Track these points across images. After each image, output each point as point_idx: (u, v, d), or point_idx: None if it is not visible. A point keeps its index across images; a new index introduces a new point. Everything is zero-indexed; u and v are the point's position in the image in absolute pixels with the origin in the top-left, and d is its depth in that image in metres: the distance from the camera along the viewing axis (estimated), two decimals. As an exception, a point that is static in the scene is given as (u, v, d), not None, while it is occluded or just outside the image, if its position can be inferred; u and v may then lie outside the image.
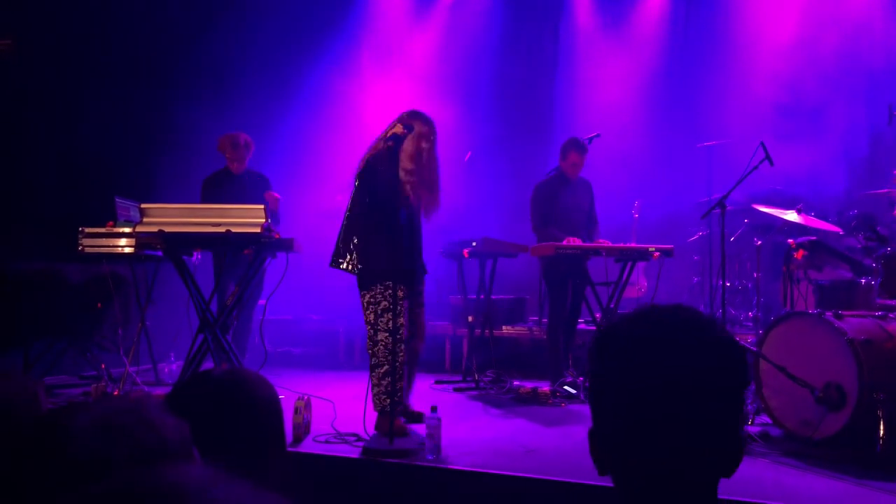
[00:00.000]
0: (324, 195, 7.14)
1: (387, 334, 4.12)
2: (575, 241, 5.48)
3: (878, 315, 4.20)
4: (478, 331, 6.30)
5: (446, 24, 8.79)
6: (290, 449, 3.64)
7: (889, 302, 4.33)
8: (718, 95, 7.63)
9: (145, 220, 4.55)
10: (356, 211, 4.35)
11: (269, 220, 4.53)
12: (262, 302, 5.48)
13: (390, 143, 4.10)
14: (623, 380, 1.06)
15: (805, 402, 3.98)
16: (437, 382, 6.11)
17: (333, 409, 4.50)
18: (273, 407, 1.61)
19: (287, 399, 3.57)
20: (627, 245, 5.83)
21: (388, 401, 4.07)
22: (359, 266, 4.25)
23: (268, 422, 1.59)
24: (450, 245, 6.18)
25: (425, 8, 8.91)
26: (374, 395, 4.22)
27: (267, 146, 6.81)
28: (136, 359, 5.67)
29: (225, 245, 4.76)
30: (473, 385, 5.95)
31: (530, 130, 8.43)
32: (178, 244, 4.67)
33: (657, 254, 5.45)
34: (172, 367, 6.16)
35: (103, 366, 5.67)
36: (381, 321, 4.15)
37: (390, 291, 4.04)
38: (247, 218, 4.51)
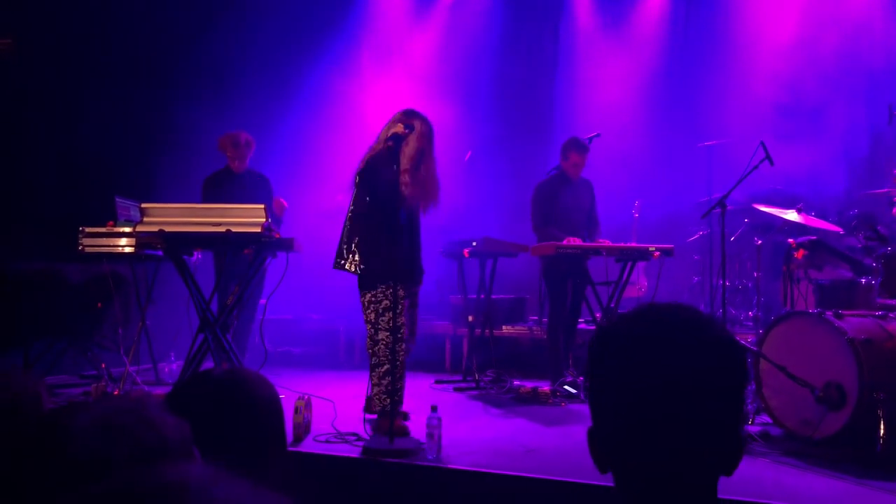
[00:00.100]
0: (324, 195, 7.15)
1: (387, 333, 4.13)
2: (575, 241, 5.48)
3: (879, 315, 4.20)
4: (478, 330, 6.30)
5: (446, 23, 8.79)
6: (290, 448, 3.63)
7: (889, 301, 4.33)
8: (718, 95, 7.62)
9: (145, 219, 4.55)
10: (357, 211, 4.36)
11: (270, 220, 4.52)
12: (262, 301, 5.48)
13: (390, 142, 4.10)
14: (623, 379, 1.06)
15: (805, 401, 3.98)
16: (438, 382, 6.11)
17: (334, 409, 4.50)
18: (273, 406, 1.61)
19: (287, 399, 3.57)
20: (628, 245, 5.83)
21: (388, 400, 4.08)
22: (361, 266, 4.26)
23: (268, 421, 1.59)
24: (450, 245, 6.18)
25: (425, 8, 8.91)
26: (373, 395, 4.22)
27: (267, 146, 6.80)
28: (136, 358, 5.67)
29: (225, 245, 4.76)
30: (473, 385, 5.95)
31: (530, 130, 8.43)
32: (178, 244, 4.67)
33: (657, 253, 5.45)
34: (172, 367, 6.16)
35: (103, 365, 5.67)
36: (381, 320, 4.17)
37: (391, 291, 4.05)
38: (247, 217, 4.51)
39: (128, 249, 5.43)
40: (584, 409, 4.99)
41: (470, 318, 6.29)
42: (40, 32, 6.94)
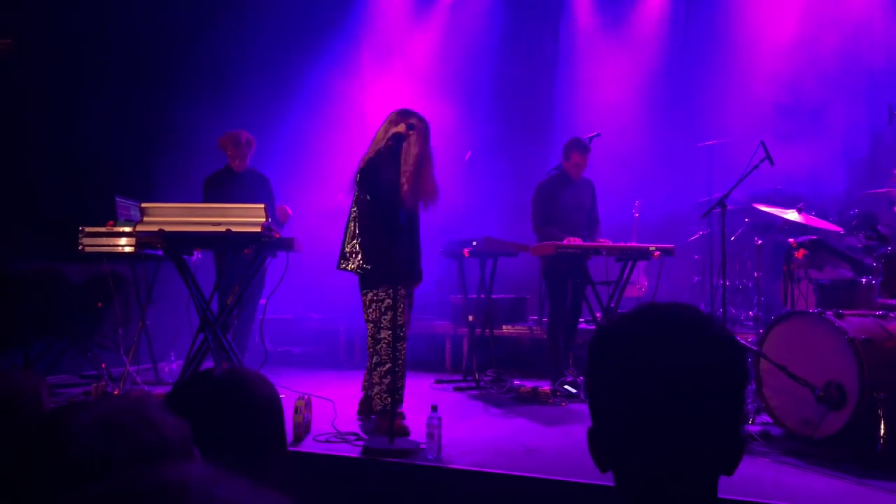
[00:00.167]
0: (324, 195, 7.15)
1: (389, 332, 4.15)
2: (575, 241, 5.49)
3: (879, 314, 4.20)
4: (478, 330, 6.30)
5: (446, 23, 8.79)
6: (290, 448, 3.64)
7: (890, 301, 4.33)
8: (719, 95, 7.62)
9: (146, 219, 4.55)
10: (359, 211, 4.37)
11: (269, 220, 4.52)
12: (262, 301, 5.48)
13: (391, 142, 4.10)
14: (623, 379, 1.06)
15: (805, 401, 3.98)
16: (438, 382, 6.11)
17: (334, 409, 4.50)
18: (273, 406, 1.61)
19: (287, 398, 3.57)
20: (628, 244, 5.83)
21: (389, 399, 4.08)
22: (364, 266, 4.26)
23: (268, 421, 1.59)
24: (450, 244, 6.18)
25: (425, 8, 8.91)
26: (374, 394, 4.23)
27: (267, 146, 6.80)
28: (136, 358, 5.67)
29: (225, 244, 4.76)
30: (474, 384, 5.95)
31: (530, 130, 8.43)
32: (178, 243, 4.67)
33: (658, 253, 5.45)
34: (173, 367, 6.16)
35: (103, 365, 5.67)
36: (384, 319, 4.19)
37: (392, 290, 4.07)
38: (247, 217, 4.51)
39: (128, 249, 5.43)
40: (584, 408, 4.99)
41: (470, 318, 6.30)
42: (40, 32, 6.94)
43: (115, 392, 5.04)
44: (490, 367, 6.05)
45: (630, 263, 5.64)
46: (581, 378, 5.35)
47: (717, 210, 4.58)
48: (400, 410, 4.27)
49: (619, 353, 1.07)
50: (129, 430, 0.92)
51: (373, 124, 4.65)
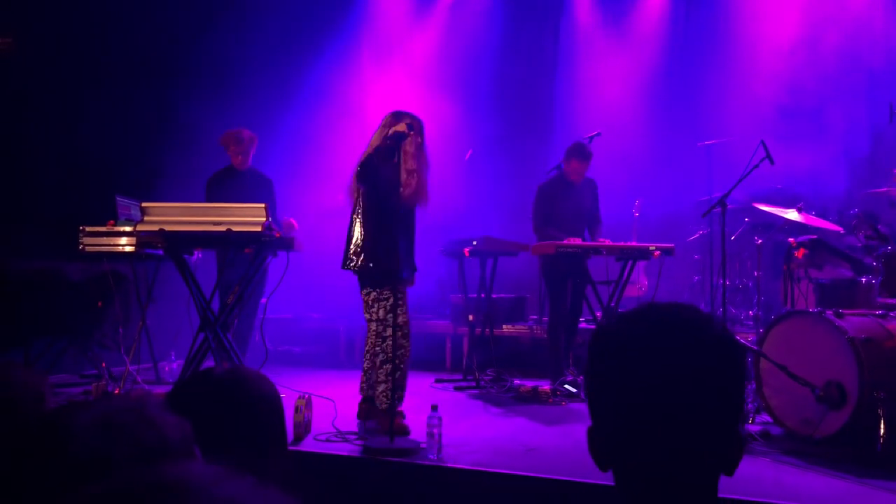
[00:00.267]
0: (325, 194, 7.15)
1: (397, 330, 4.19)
2: (575, 241, 5.49)
3: (879, 314, 4.20)
4: (478, 329, 6.30)
5: (447, 23, 8.78)
6: (291, 448, 3.64)
7: (890, 301, 4.33)
8: (719, 94, 7.62)
9: (146, 218, 4.55)
10: (360, 211, 4.39)
11: (270, 219, 4.52)
12: (262, 301, 5.48)
13: (390, 141, 4.11)
14: (622, 379, 1.06)
15: (806, 400, 3.98)
16: (438, 381, 6.11)
17: (334, 408, 4.50)
18: (274, 405, 1.61)
19: (288, 398, 3.57)
20: (628, 244, 5.84)
21: (391, 397, 4.10)
22: (369, 265, 4.28)
23: (269, 420, 1.59)
24: (450, 244, 6.18)
25: (426, 7, 8.91)
26: (380, 392, 4.24)
27: (268, 145, 6.80)
28: (136, 357, 5.67)
29: (226, 244, 4.76)
30: (474, 384, 5.95)
31: (530, 129, 8.43)
32: (178, 243, 4.67)
33: (658, 252, 5.45)
34: (173, 366, 6.16)
35: (104, 364, 5.68)
36: (391, 317, 4.21)
37: (396, 288, 4.13)
38: (248, 217, 4.51)
39: (128, 248, 5.44)
40: (584, 408, 4.97)
41: (470, 318, 6.30)
42: (40, 30, 6.94)
43: (116, 391, 5.04)
44: (490, 366, 6.05)
45: (630, 263, 5.64)
46: (581, 378, 5.35)
47: (718, 209, 4.58)
48: (400, 409, 4.28)
49: (619, 353, 1.07)
50: (129, 429, 0.92)
51: (373, 124, 4.65)
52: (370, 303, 4.32)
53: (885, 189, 5.20)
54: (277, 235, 4.65)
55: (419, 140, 4.39)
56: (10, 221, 6.43)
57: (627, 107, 8.02)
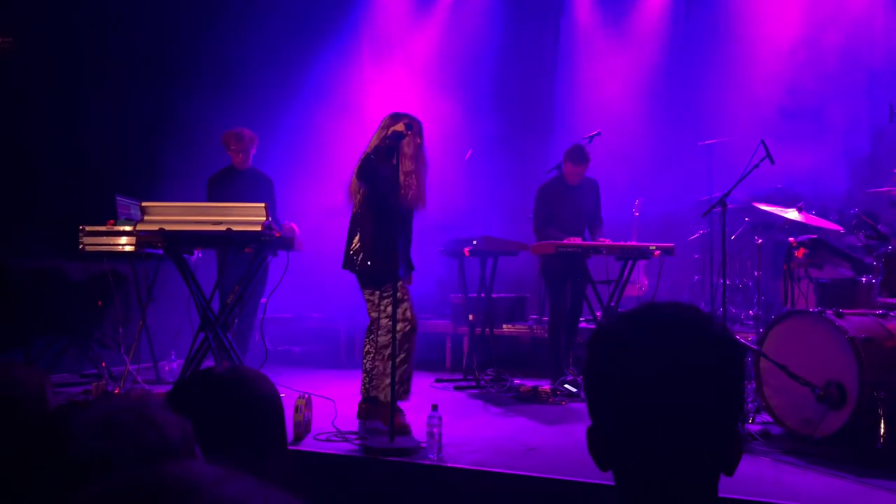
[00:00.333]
0: (325, 193, 7.15)
1: (405, 323, 4.29)
2: (575, 240, 5.49)
3: (879, 313, 4.20)
4: (478, 329, 6.30)
5: (447, 22, 8.79)
6: (291, 447, 3.64)
7: (890, 300, 4.33)
8: (719, 94, 7.62)
9: (146, 218, 4.55)
10: (360, 210, 4.40)
11: (270, 218, 4.53)
12: (262, 300, 5.48)
13: (389, 141, 4.12)
14: (622, 379, 1.06)
15: (806, 400, 3.98)
16: (438, 381, 6.12)
17: (334, 408, 4.51)
18: (274, 405, 1.61)
19: (288, 397, 3.57)
20: (628, 243, 5.84)
21: (402, 388, 4.22)
22: (367, 263, 4.31)
23: (269, 420, 1.59)
24: (451, 243, 6.18)
25: (426, 7, 8.91)
26: (386, 385, 4.25)
27: (268, 144, 6.80)
28: (136, 357, 5.68)
29: (226, 243, 4.76)
30: (474, 383, 5.95)
31: (531, 129, 8.43)
32: (178, 242, 4.67)
33: (658, 252, 5.45)
34: (173, 366, 6.16)
35: (104, 364, 5.68)
36: (398, 311, 4.26)
37: (401, 283, 4.23)
38: (248, 216, 4.51)
39: (128, 248, 5.44)
40: (584, 407, 4.98)
41: (470, 317, 6.30)
42: (41, 28, 6.94)
43: (116, 391, 5.04)
44: (490, 366, 6.06)
45: (630, 262, 5.64)
46: (581, 377, 5.35)
47: (718, 209, 4.58)
48: (400, 407, 4.29)
49: (619, 353, 1.07)
50: (129, 429, 0.92)
51: (373, 123, 4.66)
52: (376, 301, 4.34)
53: (885, 189, 5.20)
54: (277, 235, 4.65)
55: (418, 141, 4.40)
56: (10, 221, 6.44)
57: (627, 106, 8.02)
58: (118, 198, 5.89)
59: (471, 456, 3.70)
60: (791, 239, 5.06)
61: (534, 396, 5.43)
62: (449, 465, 3.57)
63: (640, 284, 7.53)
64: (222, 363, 4.27)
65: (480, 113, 8.06)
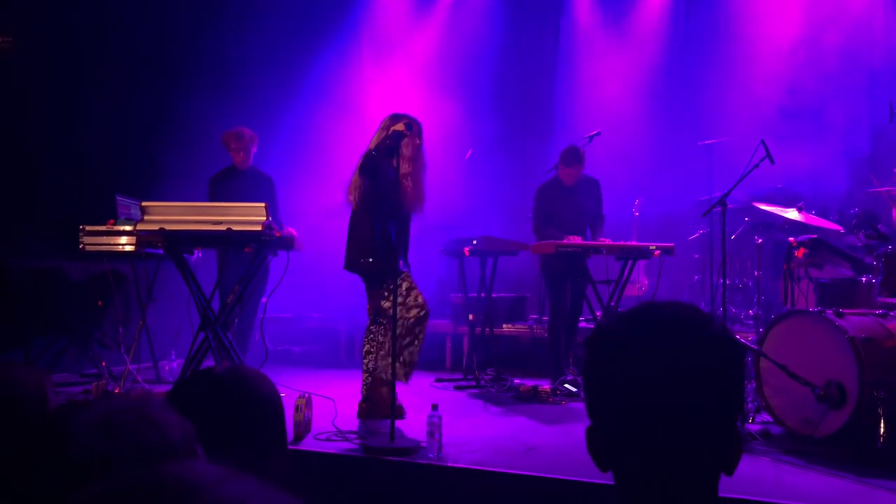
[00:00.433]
0: (325, 193, 7.15)
1: (418, 309, 4.42)
2: (575, 240, 5.49)
3: (879, 313, 4.20)
4: (478, 329, 6.30)
5: (447, 22, 8.79)
6: (291, 447, 3.64)
7: (890, 300, 4.33)
8: (719, 94, 7.62)
9: (146, 217, 4.55)
10: (360, 209, 4.42)
11: (270, 218, 4.53)
12: (262, 300, 5.49)
13: (389, 141, 4.13)
14: (622, 379, 1.06)
15: (806, 400, 3.98)
16: (438, 380, 6.12)
17: (334, 407, 4.51)
18: (274, 405, 1.61)
19: (288, 397, 3.57)
20: (628, 243, 5.83)
21: (405, 371, 4.34)
22: (369, 261, 4.35)
23: (269, 419, 1.59)
24: (451, 243, 6.18)
25: (426, 7, 8.91)
26: (386, 364, 4.32)
27: (268, 144, 6.81)
28: (136, 357, 5.68)
29: (226, 243, 4.76)
30: (474, 383, 5.95)
31: (531, 129, 8.43)
32: (178, 242, 4.67)
33: (658, 252, 5.44)
34: (173, 366, 6.16)
35: (104, 363, 5.68)
36: (409, 299, 4.42)
37: (406, 273, 4.42)
38: (248, 216, 4.51)
39: (128, 248, 5.44)
40: (584, 407, 4.98)
41: (470, 317, 6.30)
42: (40, 32, 6.94)
43: (116, 391, 5.04)
44: (490, 365, 6.06)
45: (630, 262, 5.64)
46: (581, 377, 5.34)
47: (718, 209, 4.58)
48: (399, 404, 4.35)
49: (619, 353, 1.07)
50: (129, 429, 0.92)
51: (373, 123, 4.66)
52: (386, 294, 4.37)
53: (885, 188, 5.20)
54: (277, 235, 4.66)
55: (417, 142, 4.42)
56: (10, 221, 6.44)
57: (627, 106, 8.02)
58: (118, 197, 5.89)
59: (471, 455, 3.70)
60: (791, 239, 5.06)
61: (534, 396, 5.43)
62: (449, 464, 3.57)
63: (640, 284, 7.53)
64: (222, 363, 4.27)
65: (480, 113, 8.06)
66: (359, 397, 4.48)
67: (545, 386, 5.52)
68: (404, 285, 4.41)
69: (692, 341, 1.05)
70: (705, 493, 1.06)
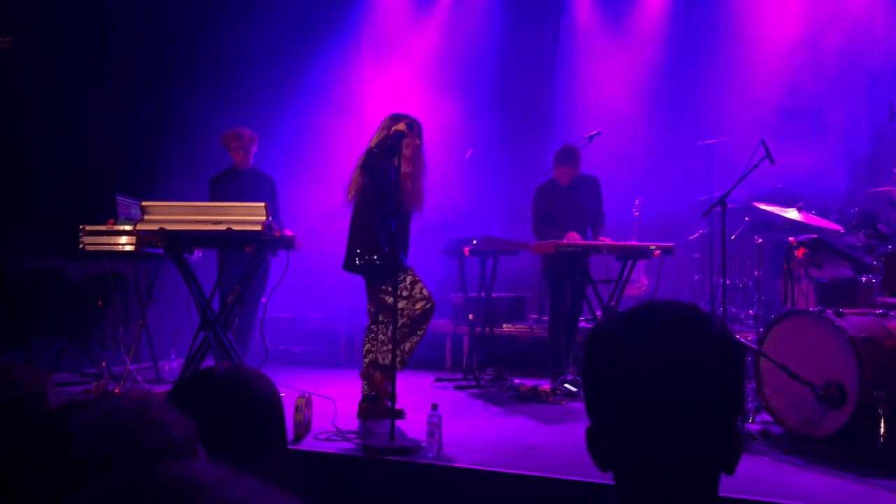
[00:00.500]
0: (325, 193, 7.15)
1: (424, 302, 4.44)
2: (574, 236, 5.50)
3: (879, 313, 4.19)
4: (478, 329, 6.30)
5: (447, 22, 8.79)
6: (291, 447, 3.64)
7: (890, 300, 4.33)
8: (719, 94, 7.62)
9: (146, 217, 4.55)
10: (361, 209, 4.42)
11: (270, 218, 4.53)
12: (262, 300, 5.49)
13: (390, 140, 4.13)
14: (622, 378, 1.06)
15: (806, 400, 3.98)
16: (438, 380, 6.12)
17: (334, 407, 4.51)
18: (274, 404, 1.61)
19: (288, 397, 3.57)
20: (628, 243, 5.84)
21: (391, 359, 4.28)
22: (377, 261, 4.36)
23: (269, 419, 1.59)
24: (451, 243, 6.18)
25: (426, 7, 8.91)
26: (385, 351, 4.36)
27: (269, 144, 6.81)
28: (136, 356, 5.68)
29: (226, 243, 4.76)
30: (474, 383, 5.95)
31: (531, 128, 8.43)
32: (178, 242, 4.68)
33: (658, 252, 5.44)
34: (173, 365, 6.16)
35: (104, 363, 5.68)
36: (415, 292, 4.45)
37: (401, 274, 4.41)
38: (248, 216, 4.51)
39: (128, 248, 5.44)
40: (584, 407, 4.98)
41: (470, 317, 6.30)
42: (40, 32, 6.94)
43: (116, 390, 5.04)
44: (490, 365, 6.06)
45: (630, 262, 5.64)
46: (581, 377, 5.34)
47: (718, 208, 4.58)
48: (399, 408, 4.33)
49: (619, 352, 1.07)
50: (130, 429, 0.92)
51: (373, 123, 4.66)
52: (391, 290, 4.38)
53: (885, 188, 5.20)
54: (277, 234, 4.66)
55: (417, 142, 4.43)
56: (10, 221, 6.44)
57: (627, 106, 8.02)
58: (118, 197, 5.89)
59: (471, 455, 3.70)
60: (791, 238, 5.05)
61: (534, 396, 5.43)
62: (449, 464, 3.57)
63: (640, 284, 7.53)
64: (222, 363, 4.28)
65: (480, 113, 8.06)
66: (359, 397, 4.48)
67: (545, 386, 5.52)
68: (408, 279, 4.44)
69: (692, 341, 1.05)
70: (705, 493, 1.06)
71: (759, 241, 5.83)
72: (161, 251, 5.04)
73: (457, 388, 5.89)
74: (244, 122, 6.27)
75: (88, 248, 5.45)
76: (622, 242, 5.72)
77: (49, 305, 5.60)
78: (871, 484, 3.36)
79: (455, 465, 3.56)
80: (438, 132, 6.41)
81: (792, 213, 5.01)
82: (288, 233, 5.33)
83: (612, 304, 5.61)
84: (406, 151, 4.32)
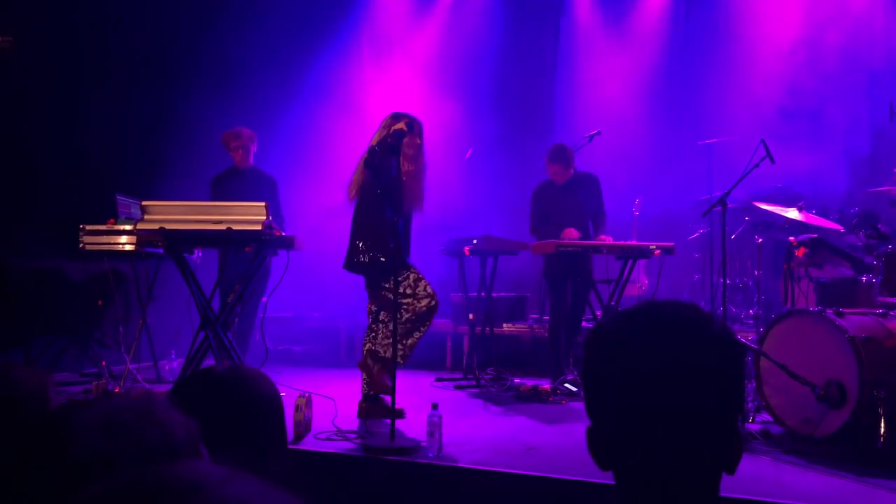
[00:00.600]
0: (325, 193, 7.15)
1: (428, 299, 4.42)
2: (572, 232, 5.50)
3: (879, 313, 4.19)
4: (478, 328, 6.30)
5: (447, 22, 8.79)
6: (291, 446, 3.64)
7: (890, 299, 4.32)
8: (719, 93, 7.62)
9: (147, 217, 4.55)
10: (363, 208, 4.43)
11: (270, 218, 4.53)
12: (263, 300, 5.49)
13: (391, 140, 4.14)
14: (622, 378, 1.06)
15: (806, 399, 3.98)
16: (438, 380, 6.12)
17: (334, 407, 4.51)
18: (274, 404, 1.61)
19: (288, 396, 3.57)
20: (628, 243, 5.84)
21: (391, 356, 4.28)
22: (381, 259, 4.37)
23: (269, 419, 1.59)
24: (451, 243, 6.18)
25: (426, 7, 8.91)
26: (386, 346, 4.35)
27: (269, 144, 6.81)
28: (136, 356, 5.68)
29: (226, 243, 4.76)
30: (474, 383, 5.95)
31: (530, 129, 8.43)
32: (179, 241, 4.68)
33: (658, 251, 5.45)
34: (173, 365, 6.16)
35: (104, 363, 5.68)
36: (420, 290, 4.44)
37: (402, 272, 4.40)
38: (248, 215, 4.51)
39: (128, 247, 5.44)
40: (584, 407, 4.98)
41: (471, 316, 6.30)
42: (40, 32, 6.94)
43: (116, 390, 5.04)
44: (490, 365, 6.06)
45: (630, 262, 5.64)
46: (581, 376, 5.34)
47: (718, 208, 4.58)
48: (383, 398, 4.36)
49: (619, 352, 1.07)
50: (131, 428, 0.92)
51: (373, 123, 4.67)
52: (387, 290, 4.38)
53: (885, 188, 5.20)
54: (278, 234, 4.66)
55: (418, 141, 4.43)
56: (10, 221, 6.43)
57: (628, 106, 8.02)
58: (118, 197, 5.89)
59: (471, 455, 3.70)
60: (791, 238, 5.05)
61: (534, 396, 5.43)
62: (449, 464, 3.57)
63: (640, 284, 7.53)
64: (222, 362, 4.28)
65: (480, 113, 8.06)
66: (359, 397, 4.48)
67: (545, 385, 5.52)
68: (412, 276, 4.43)
69: (692, 340, 1.05)
70: (706, 493, 1.06)
71: (760, 240, 5.83)
72: (161, 251, 5.04)
73: (457, 387, 5.89)
74: (244, 122, 6.27)
75: (88, 247, 5.45)
76: (622, 242, 5.72)
77: (49, 305, 5.60)
78: (871, 484, 3.36)
79: (455, 464, 3.56)
80: (438, 132, 6.41)
81: (792, 213, 5.01)
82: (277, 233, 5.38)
83: (612, 303, 5.61)
84: (407, 150, 4.33)
